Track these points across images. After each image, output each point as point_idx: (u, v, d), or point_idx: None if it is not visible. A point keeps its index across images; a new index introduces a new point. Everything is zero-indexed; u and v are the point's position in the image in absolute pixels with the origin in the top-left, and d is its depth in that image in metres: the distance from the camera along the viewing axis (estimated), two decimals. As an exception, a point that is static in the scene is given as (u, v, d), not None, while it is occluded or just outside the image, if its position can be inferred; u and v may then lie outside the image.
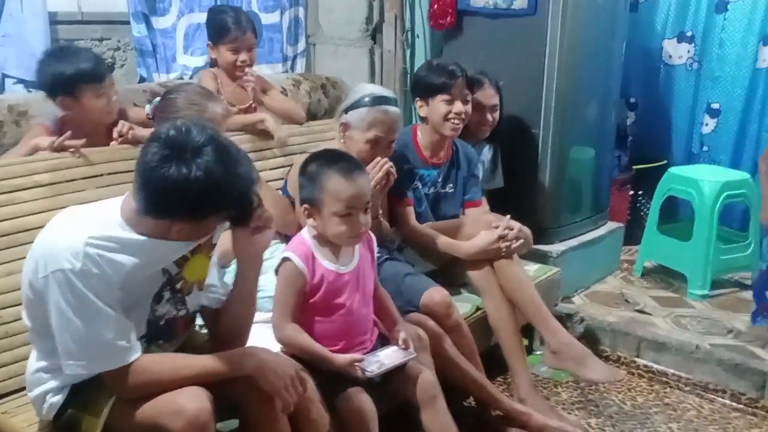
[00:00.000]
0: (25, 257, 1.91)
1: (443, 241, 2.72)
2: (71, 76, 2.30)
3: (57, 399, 1.73)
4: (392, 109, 2.51)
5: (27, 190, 2.16)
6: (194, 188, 1.51)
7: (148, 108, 2.56)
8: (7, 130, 2.49)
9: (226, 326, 1.86)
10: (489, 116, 3.10)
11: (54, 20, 3.13)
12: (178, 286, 1.79)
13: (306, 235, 2.08)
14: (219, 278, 1.90)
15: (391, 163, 2.48)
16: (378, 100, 2.48)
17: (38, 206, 2.14)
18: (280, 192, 2.64)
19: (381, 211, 2.62)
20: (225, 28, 2.90)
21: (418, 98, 2.82)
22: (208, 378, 1.69)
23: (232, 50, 2.91)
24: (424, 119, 2.81)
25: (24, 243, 2.05)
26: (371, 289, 2.15)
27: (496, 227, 2.69)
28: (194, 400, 1.60)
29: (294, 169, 2.55)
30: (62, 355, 1.62)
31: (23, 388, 1.91)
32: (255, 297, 1.88)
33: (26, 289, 1.68)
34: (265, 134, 2.90)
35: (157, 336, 1.79)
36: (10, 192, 2.12)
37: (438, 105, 2.73)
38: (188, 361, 1.70)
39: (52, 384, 1.73)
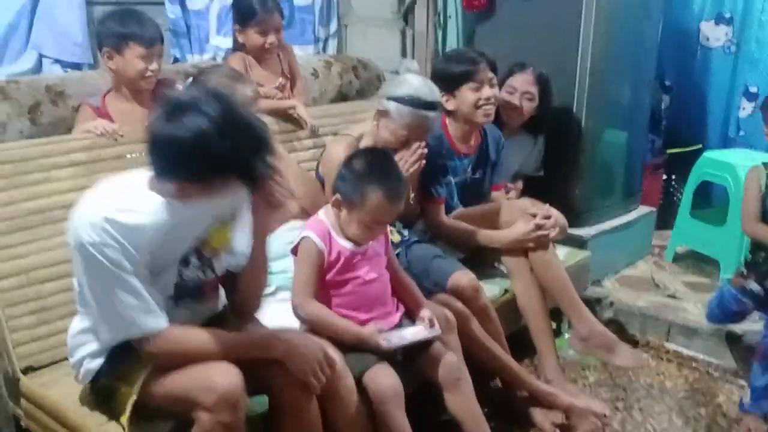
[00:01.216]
0: (60, 234, 1.99)
1: (479, 234, 2.71)
2: (122, 31, 2.44)
3: (94, 364, 1.79)
4: (432, 115, 2.47)
5: (63, 168, 2.21)
6: (183, 147, 1.54)
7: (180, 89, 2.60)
8: (44, 109, 2.53)
9: (241, 293, 1.89)
10: (518, 102, 3.07)
11: (89, 1, 3.18)
12: (205, 252, 1.82)
13: (323, 215, 2.11)
14: (246, 245, 1.88)
15: (425, 147, 2.48)
16: (421, 105, 2.42)
17: (74, 184, 2.19)
18: (313, 174, 2.64)
19: (413, 194, 2.64)
20: (251, 11, 2.88)
21: (443, 92, 2.69)
22: (238, 354, 1.72)
23: (260, 32, 2.90)
24: (451, 113, 2.75)
25: (60, 220, 2.10)
26: (384, 263, 2.17)
27: (533, 215, 2.67)
28: (226, 376, 1.63)
29: (329, 152, 2.57)
30: (96, 320, 1.69)
31: (59, 361, 1.98)
32: (265, 267, 1.90)
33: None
34: (296, 121, 2.92)
35: (184, 296, 1.82)
36: (47, 170, 2.17)
37: (466, 95, 2.70)
38: (218, 336, 1.73)
39: (91, 348, 1.78)
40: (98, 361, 1.78)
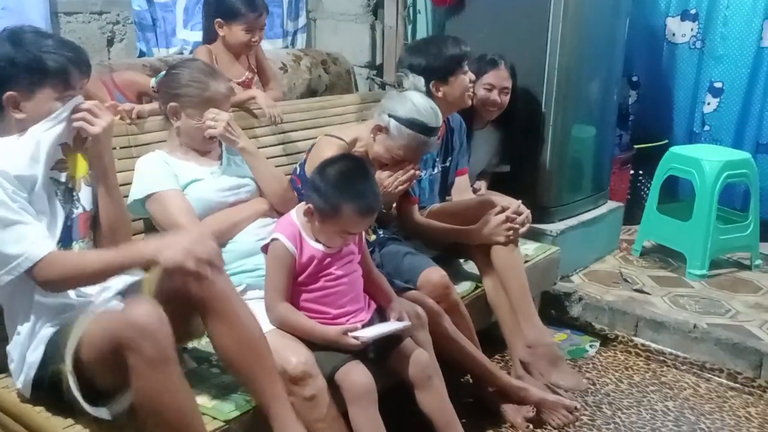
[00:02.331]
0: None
1: (452, 231, 2.71)
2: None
3: (35, 356, 1.77)
4: (431, 140, 2.44)
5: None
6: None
7: (153, 82, 2.56)
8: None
9: (103, 229, 1.93)
10: (498, 98, 3.10)
11: (53, -8, 3.11)
12: (69, 185, 1.88)
13: (294, 217, 2.09)
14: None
15: (418, 169, 2.49)
16: (424, 130, 2.38)
17: None
18: (297, 169, 2.57)
19: (394, 204, 2.67)
20: (239, 8, 2.83)
21: (433, 81, 2.70)
22: (118, 268, 1.74)
23: (246, 30, 2.84)
24: (440, 100, 2.70)
25: None
26: (357, 260, 2.16)
27: (504, 208, 2.67)
28: (143, 310, 1.60)
29: (320, 155, 2.40)
30: None
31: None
32: (112, 193, 1.93)
33: None
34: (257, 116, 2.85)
35: (68, 240, 1.86)
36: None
37: (462, 79, 2.74)
38: (98, 252, 1.84)
39: (27, 341, 1.78)
40: (39, 351, 1.77)
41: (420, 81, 2.49)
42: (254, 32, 2.87)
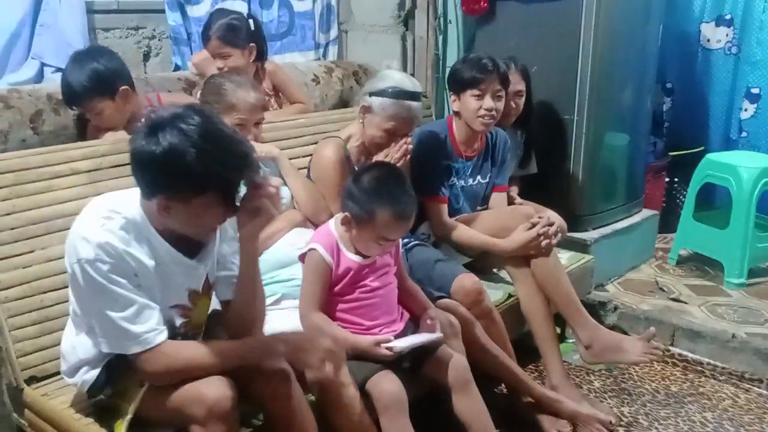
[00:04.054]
0: (63, 243, 1.99)
1: (481, 240, 2.70)
2: None
3: (90, 375, 1.78)
4: (414, 105, 2.48)
5: (65, 177, 2.20)
6: (157, 163, 1.53)
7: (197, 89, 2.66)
8: (46, 118, 2.54)
9: (234, 318, 1.82)
10: (512, 102, 3.07)
11: (91, 9, 3.18)
12: (182, 330, 1.80)
13: (333, 227, 2.11)
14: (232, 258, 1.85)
15: (410, 142, 2.50)
16: (403, 95, 2.45)
17: (75, 193, 2.19)
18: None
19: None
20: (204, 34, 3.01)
21: (451, 92, 2.78)
22: (240, 363, 1.70)
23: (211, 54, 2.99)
24: (457, 113, 2.76)
25: (62, 229, 2.10)
26: (393, 272, 2.17)
27: (535, 223, 2.65)
28: (216, 388, 1.61)
29: (318, 154, 2.57)
30: (96, 333, 1.68)
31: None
32: (254, 289, 1.82)
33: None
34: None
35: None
36: (49, 179, 2.17)
37: (468, 100, 2.70)
38: (220, 346, 1.71)
39: (86, 356, 1.78)
40: (94, 373, 1.78)
41: (393, 62, 2.55)
42: (215, 58, 2.96)
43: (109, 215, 1.64)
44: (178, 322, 1.77)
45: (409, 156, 2.50)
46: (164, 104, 2.78)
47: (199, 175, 1.54)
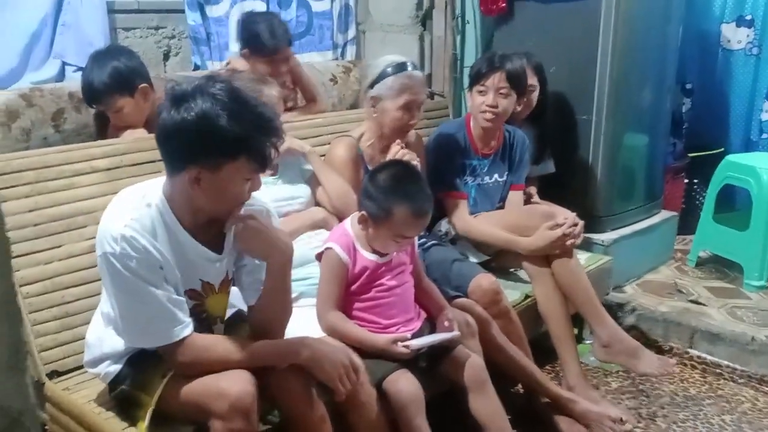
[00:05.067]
0: (83, 240, 2.01)
1: (502, 237, 2.70)
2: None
3: (113, 369, 1.80)
4: (415, 72, 2.52)
5: (86, 174, 2.23)
6: (189, 130, 1.54)
7: None
8: (67, 116, 2.57)
9: (259, 322, 1.84)
10: (524, 97, 3.05)
11: (111, 9, 3.21)
12: (203, 315, 1.83)
13: (349, 226, 2.11)
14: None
15: (408, 154, 2.51)
16: (401, 67, 2.49)
17: (96, 191, 2.21)
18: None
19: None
20: (260, 45, 2.87)
21: (467, 88, 2.82)
22: (263, 363, 1.72)
23: (268, 63, 2.89)
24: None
25: (82, 226, 2.13)
26: (409, 271, 2.17)
27: (558, 224, 2.65)
28: (238, 384, 1.63)
29: (331, 152, 2.59)
30: (122, 328, 1.70)
31: (82, 366, 1.98)
32: (284, 304, 1.84)
33: None
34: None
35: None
36: (69, 177, 2.19)
37: (474, 95, 2.73)
38: (242, 344, 1.73)
39: (110, 351, 1.80)
40: (117, 366, 1.80)
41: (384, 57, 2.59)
42: (279, 66, 2.92)
43: (135, 208, 1.66)
44: (190, 304, 1.77)
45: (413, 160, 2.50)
46: None
47: (232, 138, 1.55)
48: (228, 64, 3.08)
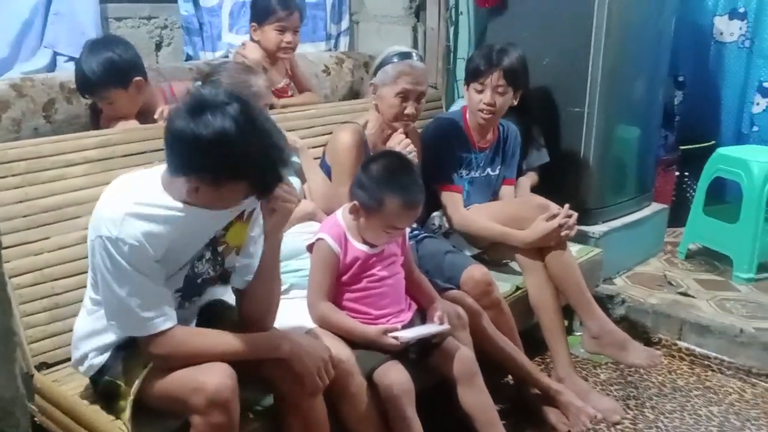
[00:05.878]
0: (74, 231, 2.00)
1: (499, 231, 2.71)
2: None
3: (98, 360, 1.81)
4: (417, 63, 2.53)
5: (77, 165, 2.23)
6: (203, 144, 1.53)
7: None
8: (58, 107, 2.56)
9: (250, 305, 1.85)
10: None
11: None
12: (219, 248, 1.81)
13: (340, 217, 2.12)
14: (258, 248, 1.84)
15: (410, 144, 2.52)
16: (401, 55, 2.51)
17: (87, 181, 2.21)
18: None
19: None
20: (271, 7, 2.90)
21: (465, 82, 2.82)
22: (243, 356, 1.72)
23: (278, 30, 2.90)
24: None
25: (73, 217, 2.13)
26: (400, 262, 2.18)
27: (554, 215, 2.66)
28: (216, 377, 1.62)
29: (335, 139, 2.59)
30: (106, 314, 1.71)
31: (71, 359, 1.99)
32: (274, 277, 1.84)
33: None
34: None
35: (192, 293, 1.83)
36: (61, 167, 2.19)
37: (471, 92, 2.73)
38: (225, 338, 1.73)
39: (97, 344, 1.80)
40: (102, 358, 1.81)
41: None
42: (286, 32, 2.91)
43: (135, 194, 1.65)
44: (218, 248, 1.78)
45: (413, 151, 2.51)
46: (177, 92, 2.80)
47: (240, 164, 1.55)
48: (243, 46, 3.07)
